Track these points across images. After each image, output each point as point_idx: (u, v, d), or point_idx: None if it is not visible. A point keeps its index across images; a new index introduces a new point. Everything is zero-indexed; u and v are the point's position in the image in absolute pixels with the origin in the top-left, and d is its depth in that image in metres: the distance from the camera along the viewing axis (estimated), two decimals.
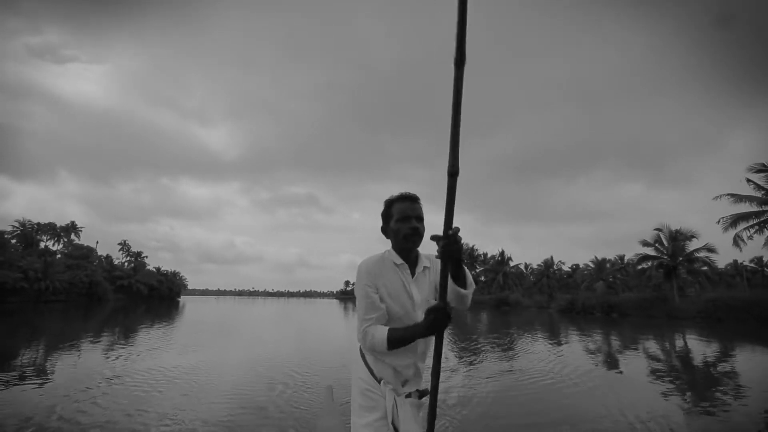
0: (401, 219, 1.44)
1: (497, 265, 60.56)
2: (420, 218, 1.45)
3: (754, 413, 4.55)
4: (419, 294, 1.46)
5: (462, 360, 8.24)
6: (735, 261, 65.00)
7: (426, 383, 1.40)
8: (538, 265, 65.73)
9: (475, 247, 68.33)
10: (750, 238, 19.62)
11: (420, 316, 1.41)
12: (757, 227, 19.29)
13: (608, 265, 43.02)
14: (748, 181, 19.33)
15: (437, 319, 1.16)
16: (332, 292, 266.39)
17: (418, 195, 1.49)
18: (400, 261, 1.45)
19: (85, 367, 6.84)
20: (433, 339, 1.36)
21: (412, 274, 1.47)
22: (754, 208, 19.22)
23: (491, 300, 46.86)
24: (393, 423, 1.34)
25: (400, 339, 1.31)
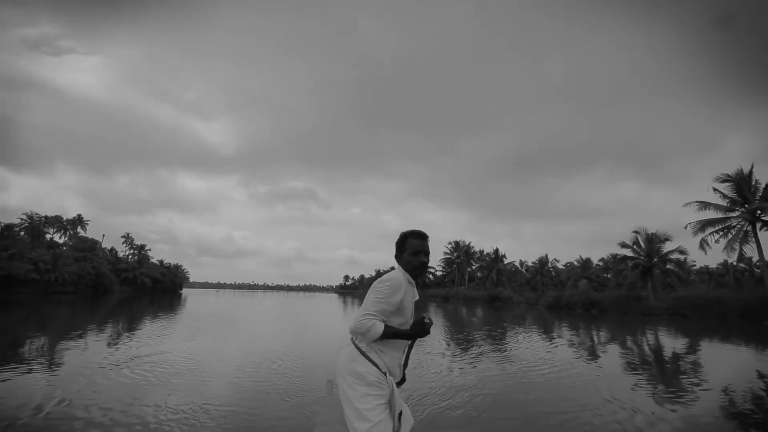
0: (413, 253, 1.84)
1: (492, 262, 62.33)
2: (427, 253, 1.87)
3: (714, 392, 5.53)
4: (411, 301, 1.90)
5: (457, 347, 9.57)
6: (725, 261, 66.89)
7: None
8: (533, 263, 67.61)
9: (471, 245, 70.18)
10: (716, 242, 21.30)
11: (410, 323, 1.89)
12: (721, 232, 20.98)
13: (600, 263, 44.79)
14: (715, 190, 21.01)
15: (423, 329, 1.72)
16: (332, 287, 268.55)
17: (426, 233, 1.92)
18: (412, 281, 1.88)
19: (106, 351, 7.55)
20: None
21: (417, 294, 1.96)
22: (719, 215, 20.90)
23: (485, 296, 48.54)
24: (396, 407, 1.74)
25: (391, 334, 1.71)
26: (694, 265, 66.06)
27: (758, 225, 19.60)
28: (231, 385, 5.26)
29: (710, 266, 67.90)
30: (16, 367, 6.00)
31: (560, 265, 65.09)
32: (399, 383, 1.85)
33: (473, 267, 69.08)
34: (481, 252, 69.38)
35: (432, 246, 1.87)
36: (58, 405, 4.18)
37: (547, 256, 63.09)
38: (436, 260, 71.55)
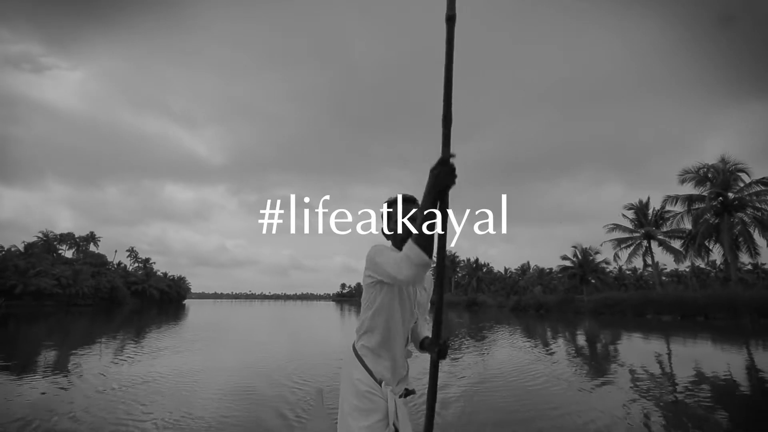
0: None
1: (472, 270, 67.89)
2: None
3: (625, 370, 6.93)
4: (413, 292, 1.55)
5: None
6: (692, 264, 73.08)
7: (412, 383, 1.55)
8: (516, 269, 73.30)
9: (456, 253, 75.86)
10: (629, 255, 26.98)
11: (414, 313, 1.56)
12: (631, 248, 26.74)
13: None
14: (624, 215, 26.93)
15: (441, 174, 1.09)
16: (329, 295, 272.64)
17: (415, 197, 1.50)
18: None
19: (116, 359, 8.00)
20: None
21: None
22: (626, 235, 26.76)
23: (464, 301, 54.06)
24: (394, 424, 1.34)
25: (422, 223, 1.11)
26: (665, 268, 72.44)
27: (654, 243, 25.38)
28: (221, 393, 5.30)
29: (679, 269, 74.46)
30: (60, 371, 6.65)
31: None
32: (405, 395, 1.45)
33: (459, 274, 74.66)
34: (468, 260, 74.93)
35: None
36: (68, 407, 4.47)
37: (528, 262, 68.79)
38: None
